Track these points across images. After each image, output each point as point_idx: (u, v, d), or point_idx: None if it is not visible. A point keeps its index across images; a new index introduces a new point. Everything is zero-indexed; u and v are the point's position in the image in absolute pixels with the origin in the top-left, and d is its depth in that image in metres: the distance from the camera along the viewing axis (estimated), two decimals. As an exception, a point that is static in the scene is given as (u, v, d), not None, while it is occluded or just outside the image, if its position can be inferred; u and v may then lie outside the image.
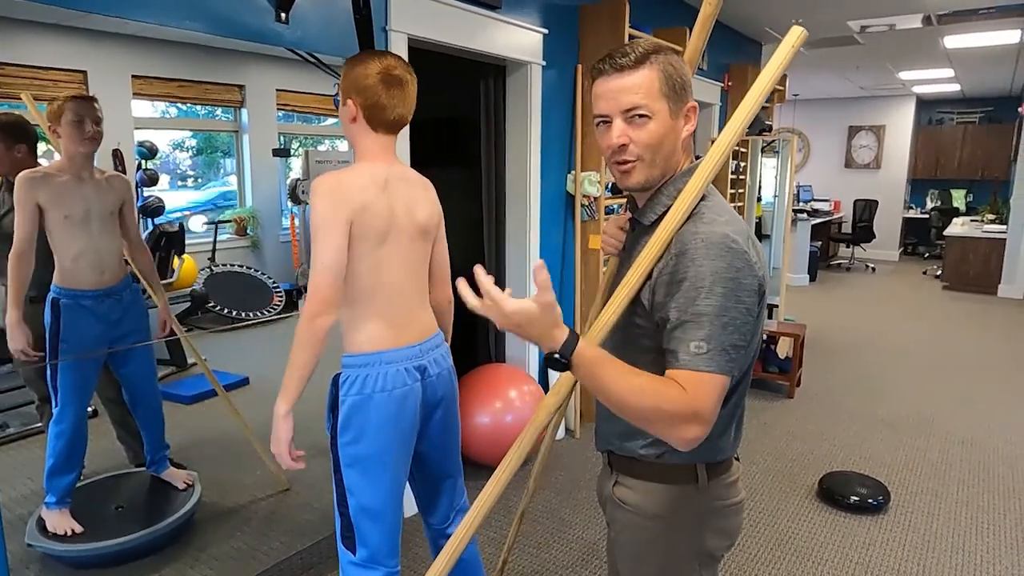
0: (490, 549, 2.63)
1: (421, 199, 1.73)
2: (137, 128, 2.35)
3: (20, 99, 2.00)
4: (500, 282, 3.65)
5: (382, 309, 1.65)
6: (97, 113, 2.07)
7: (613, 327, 1.12)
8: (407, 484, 1.81)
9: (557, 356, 1.00)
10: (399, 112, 1.65)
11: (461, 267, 1.92)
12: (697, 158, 1.19)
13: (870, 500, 3.03)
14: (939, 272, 8.91)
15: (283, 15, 2.15)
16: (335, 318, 1.52)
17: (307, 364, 1.55)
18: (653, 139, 1.10)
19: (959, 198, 10.87)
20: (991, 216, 9.21)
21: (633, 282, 1.11)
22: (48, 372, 2.12)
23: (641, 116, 1.09)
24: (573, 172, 3.65)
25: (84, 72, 2.12)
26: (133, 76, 2.26)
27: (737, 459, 1.29)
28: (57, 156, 2.09)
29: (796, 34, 1.13)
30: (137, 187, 2.34)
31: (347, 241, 1.54)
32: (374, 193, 1.60)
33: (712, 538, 1.24)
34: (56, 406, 2.13)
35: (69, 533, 2.18)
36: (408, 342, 1.69)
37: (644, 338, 1.12)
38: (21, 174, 1.98)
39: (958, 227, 8.79)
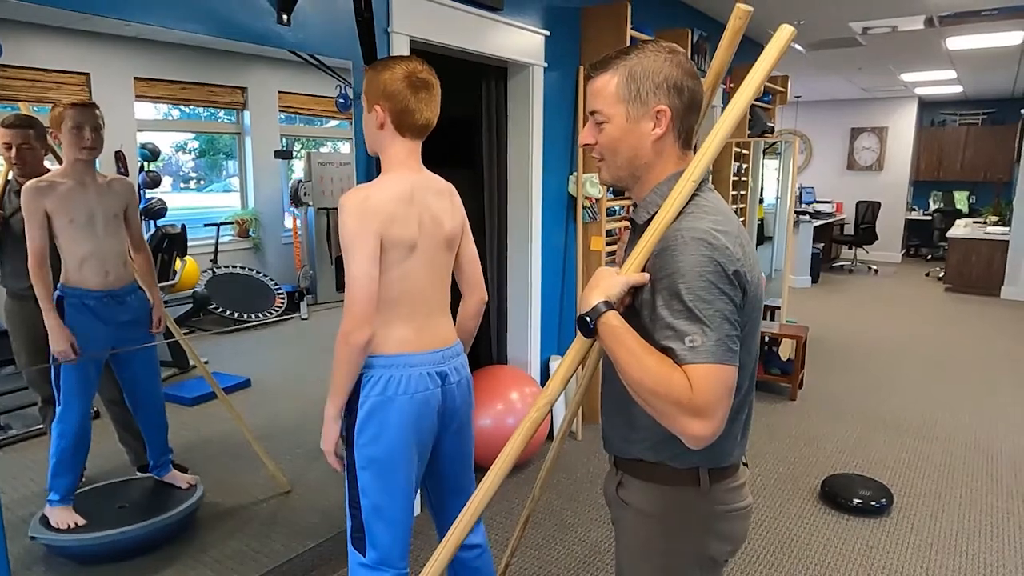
0: (492, 552, 2.61)
1: (447, 209, 1.74)
2: (140, 130, 2.35)
3: (19, 104, 1.99)
4: (502, 284, 3.66)
5: (407, 315, 1.66)
6: (97, 120, 2.07)
7: None
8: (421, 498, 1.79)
9: (587, 319, 1.08)
10: (426, 116, 1.67)
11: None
12: None
13: (873, 503, 3.03)
14: (942, 274, 8.89)
15: (285, 17, 2.16)
16: (371, 332, 1.55)
17: (349, 377, 1.61)
18: (609, 142, 1.17)
19: (962, 200, 10.85)
20: (994, 218, 9.20)
21: None
22: (52, 372, 2.12)
23: (600, 119, 1.17)
24: (575, 174, 3.65)
25: (87, 74, 2.12)
26: (136, 78, 2.26)
27: (745, 464, 1.28)
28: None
29: (787, 33, 1.16)
30: (140, 189, 2.34)
31: (378, 256, 1.56)
32: (402, 206, 1.61)
33: (714, 543, 1.23)
34: (59, 405, 2.14)
35: (72, 527, 2.20)
36: (431, 347, 1.70)
37: (641, 333, 1.12)
38: (28, 184, 1.98)
39: (961, 229, 8.77)
